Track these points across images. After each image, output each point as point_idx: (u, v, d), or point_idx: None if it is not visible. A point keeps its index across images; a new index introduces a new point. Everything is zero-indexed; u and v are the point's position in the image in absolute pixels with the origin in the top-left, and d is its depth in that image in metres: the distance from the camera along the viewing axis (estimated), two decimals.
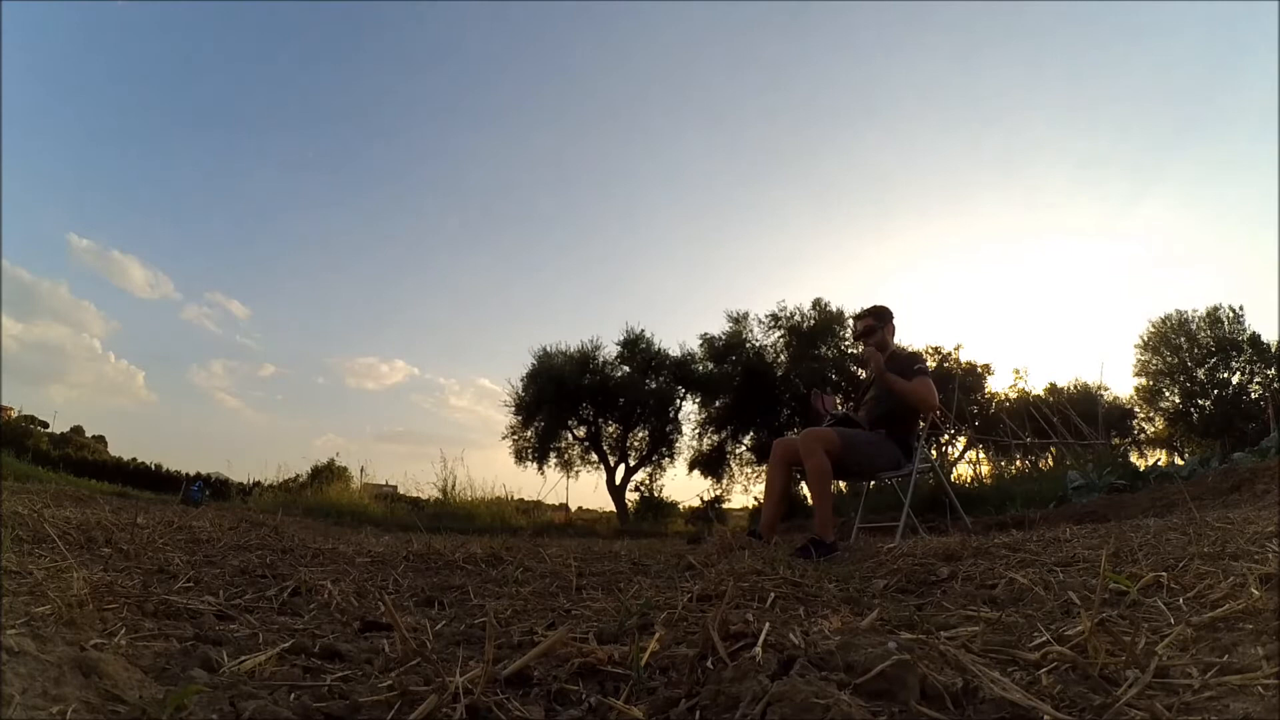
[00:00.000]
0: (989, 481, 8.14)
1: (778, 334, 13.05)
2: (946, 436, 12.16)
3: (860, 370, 4.18)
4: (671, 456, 12.80)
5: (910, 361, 3.41)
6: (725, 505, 12.58)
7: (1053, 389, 14.50)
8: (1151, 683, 0.64)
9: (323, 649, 0.85)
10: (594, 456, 12.62)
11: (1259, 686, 0.61)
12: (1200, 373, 17.42)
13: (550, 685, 0.71)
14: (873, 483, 5.47)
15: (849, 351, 13.18)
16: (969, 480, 8.89)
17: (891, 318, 3.58)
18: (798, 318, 13.01)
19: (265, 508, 7.75)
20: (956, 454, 12.10)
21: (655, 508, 12.20)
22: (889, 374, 3.24)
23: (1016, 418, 10.23)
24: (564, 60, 27.10)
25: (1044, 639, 0.80)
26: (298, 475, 11.27)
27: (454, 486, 10.30)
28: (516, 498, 11.06)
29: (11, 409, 19.54)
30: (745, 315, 13.00)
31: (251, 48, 24.85)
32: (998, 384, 13.77)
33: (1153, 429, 17.85)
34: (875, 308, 3.59)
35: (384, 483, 11.99)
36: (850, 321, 4.15)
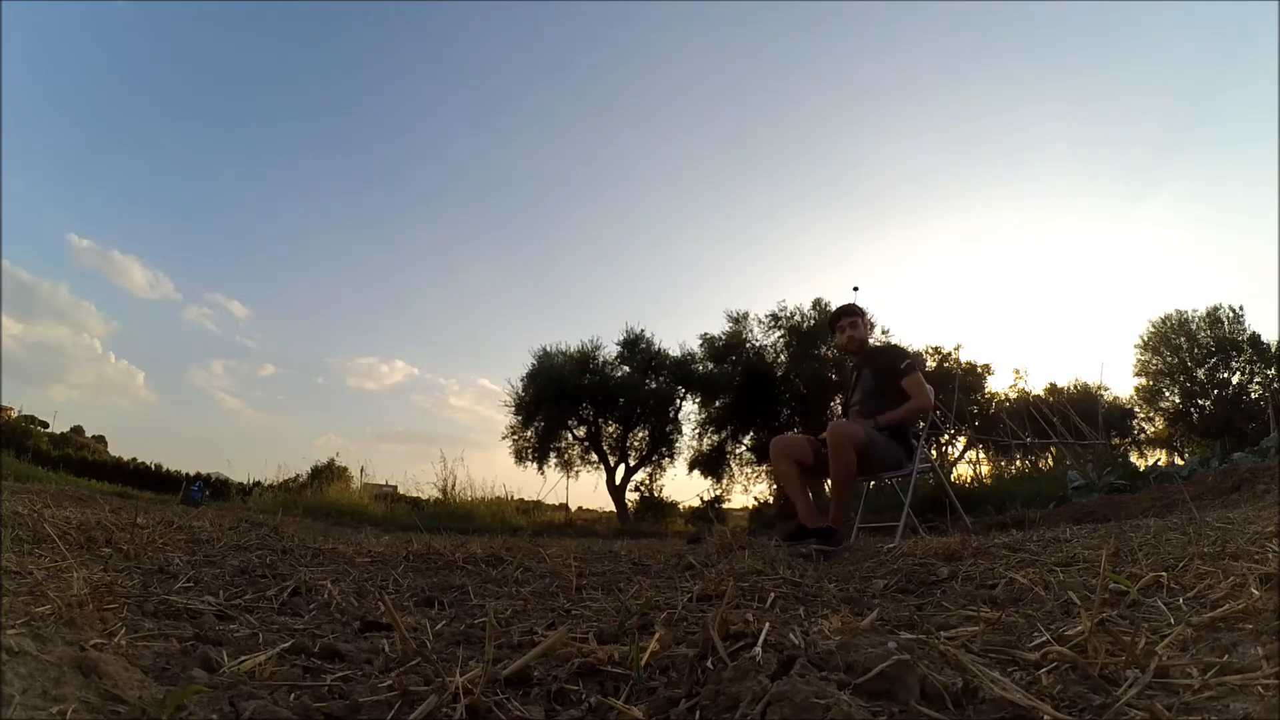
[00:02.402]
0: (989, 481, 8.14)
1: (778, 334, 13.06)
2: (946, 436, 12.16)
3: (848, 359, 3.86)
4: (671, 456, 12.81)
5: (896, 358, 3.15)
6: (725, 505, 12.59)
7: (1053, 389, 14.52)
8: (1151, 683, 0.64)
9: (323, 649, 0.85)
10: (594, 456, 12.62)
11: (1259, 686, 0.61)
12: (1200, 373, 17.42)
13: (550, 685, 0.71)
14: (873, 483, 5.48)
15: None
16: (969, 480, 8.90)
17: (865, 314, 3.43)
18: (798, 318, 13.01)
19: (265, 508, 7.74)
20: (956, 454, 12.11)
21: (655, 508, 12.21)
22: (887, 416, 3.02)
23: (1016, 418, 10.23)
24: (564, 59, 27.09)
25: (1044, 639, 0.80)
26: (298, 475, 11.30)
27: (454, 486, 10.32)
28: (516, 498, 11.07)
29: (11, 409, 19.55)
30: (745, 315, 13.01)
31: (252, 48, 24.85)
32: (998, 384, 13.80)
33: (1153, 429, 17.85)
34: (850, 305, 3.40)
35: (384, 483, 12.01)
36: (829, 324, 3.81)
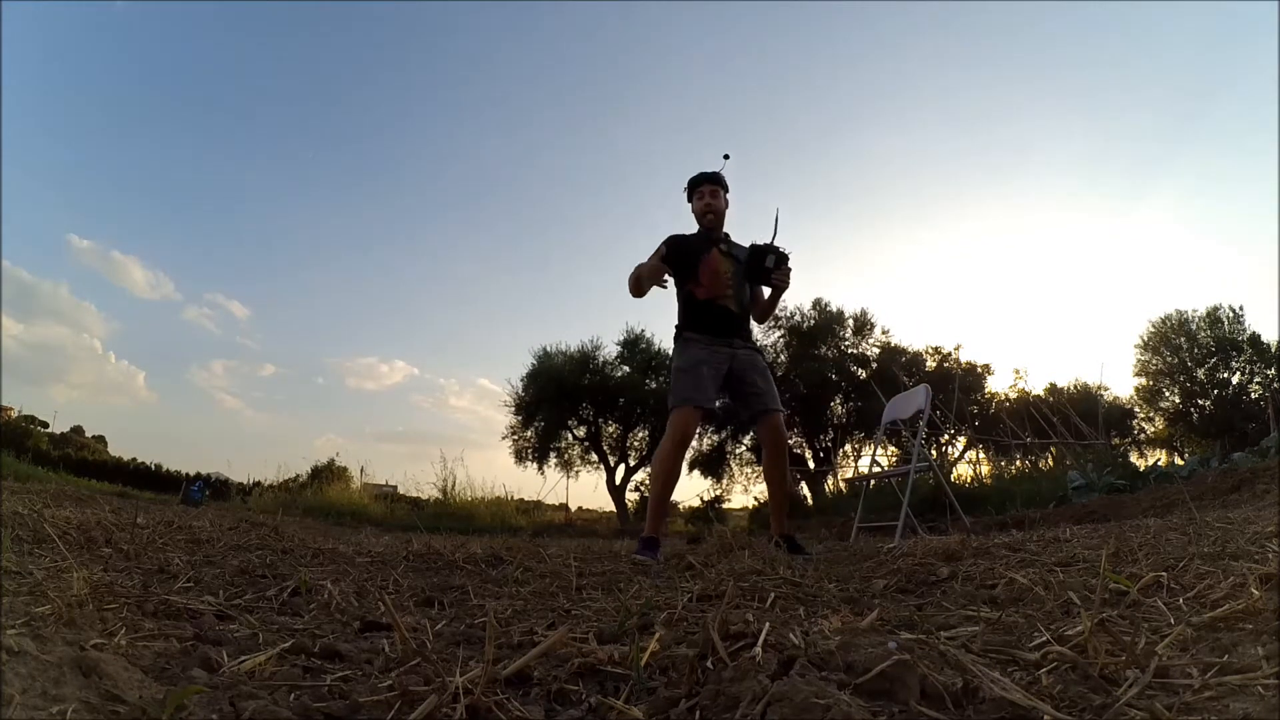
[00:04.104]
0: (989, 481, 8.14)
1: (778, 334, 13.07)
2: (946, 436, 12.16)
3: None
4: None
5: (761, 249, 2.81)
6: (725, 505, 12.59)
7: (1053, 389, 14.52)
8: (1151, 683, 0.64)
9: (323, 649, 0.85)
10: (594, 456, 12.63)
11: (1259, 686, 0.61)
12: (1200, 373, 17.42)
13: (550, 685, 0.71)
14: (872, 482, 5.47)
15: (849, 351, 13.21)
16: (969, 480, 8.89)
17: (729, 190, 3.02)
18: (798, 318, 13.02)
19: (265, 508, 7.75)
20: (956, 454, 12.11)
21: None
22: (770, 306, 2.90)
23: (1016, 418, 10.23)
24: (564, 59, 27.11)
25: (1044, 639, 0.80)
26: (298, 475, 11.31)
27: (454, 486, 10.32)
28: (516, 498, 11.08)
29: (11, 409, 19.56)
30: None
31: (251, 48, 24.88)
32: (998, 384, 13.82)
33: (1153, 429, 17.85)
34: (716, 174, 2.96)
35: (384, 483, 12.01)
36: (693, 188, 3.01)
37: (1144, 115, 25.26)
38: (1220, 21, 22.15)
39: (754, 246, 2.73)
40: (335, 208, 27.35)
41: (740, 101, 28.15)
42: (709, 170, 2.98)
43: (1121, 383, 20.10)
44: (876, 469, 5.34)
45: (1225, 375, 17.18)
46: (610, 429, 12.77)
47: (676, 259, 2.87)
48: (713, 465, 12.87)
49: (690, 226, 3.02)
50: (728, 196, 2.98)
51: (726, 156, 2.96)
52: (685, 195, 3.03)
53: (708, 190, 2.94)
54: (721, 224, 2.94)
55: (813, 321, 12.97)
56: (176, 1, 22.35)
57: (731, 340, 2.79)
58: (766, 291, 2.92)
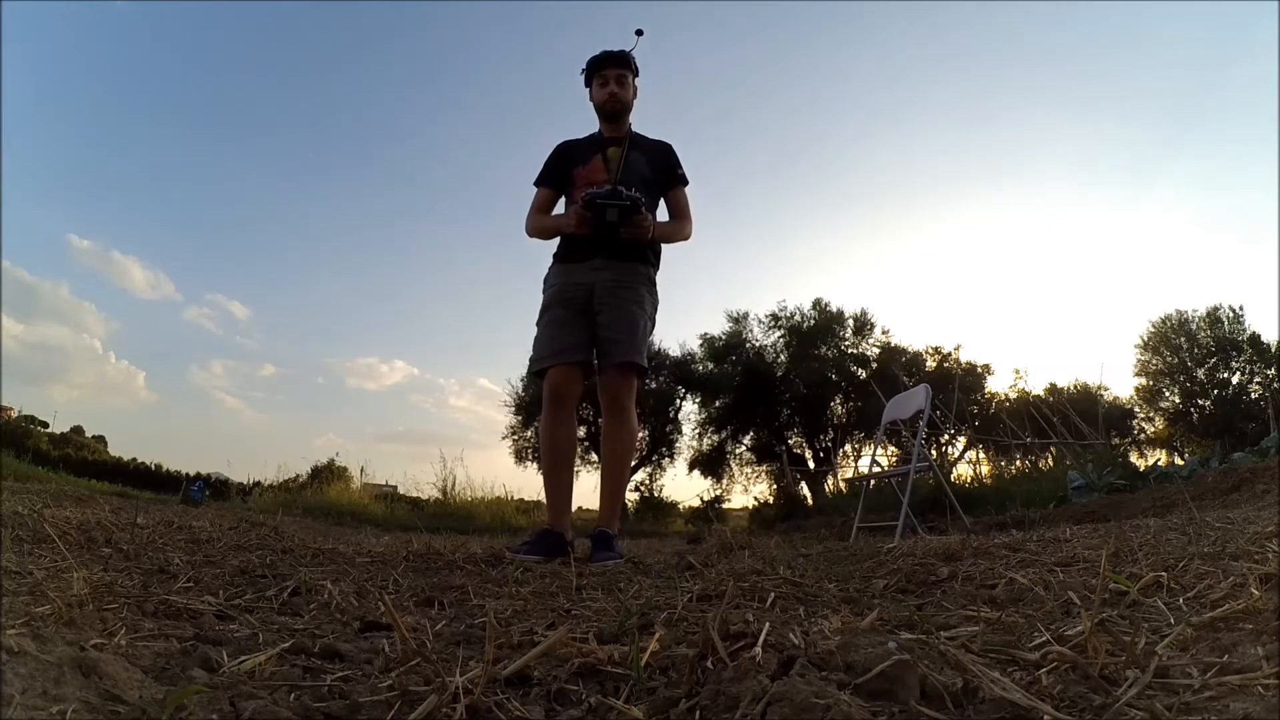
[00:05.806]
0: (989, 481, 8.13)
1: (778, 334, 13.09)
2: (946, 436, 12.16)
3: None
4: (671, 456, 12.86)
5: (673, 159, 2.43)
6: (725, 505, 12.61)
7: (1053, 389, 14.53)
8: (1151, 683, 0.64)
9: (323, 649, 0.85)
10: (593, 456, 12.62)
11: (1259, 686, 0.61)
12: (1200, 373, 17.43)
13: (550, 685, 0.71)
14: (872, 483, 5.48)
15: (849, 351, 13.21)
16: (969, 480, 8.89)
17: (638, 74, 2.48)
18: (798, 318, 13.04)
19: (265, 508, 7.75)
20: (956, 454, 12.11)
21: (655, 508, 12.23)
22: (668, 229, 2.40)
23: (1016, 418, 10.22)
24: (562, 58, 27.12)
25: (1044, 639, 0.80)
26: (298, 475, 11.32)
27: (454, 486, 10.32)
28: (516, 498, 11.06)
29: (11, 409, 19.57)
30: (745, 315, 13.05)
31: (252, 48, 24.90)
32: (998, 384, 13.84)
33: (1153, 429, 17.85)
34: (624, 54, 2.37)
35: (384, 483, 12.00)
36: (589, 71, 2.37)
37: (1146, 115, 25.30)
38: (1226, 20, 22.17)
39: (589, 198, 2.21)
40: (336, 208, 27.40)
41: (739, 99, 28.17)
42: (614, 49, 2.36)
43: (1121, 383, 20.15)
44: (876, 469, 5.34)
45: (1225, 375, 17.19)
46: None
47: (557, 174, 2.47)
48: (712, 465, 12.87)
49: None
50: (637, 83, 2.43)
51: (640, 32, 2.37)
52: (583, 80, 2.44)
53: (612, 75, 2.36)
54: (626, 116, 2.40)
55: (813, 321, 12.98)
56: (177, 1, 22.37)
57: (592, 258, 2.32)
58: (665, 211, 2.46)
